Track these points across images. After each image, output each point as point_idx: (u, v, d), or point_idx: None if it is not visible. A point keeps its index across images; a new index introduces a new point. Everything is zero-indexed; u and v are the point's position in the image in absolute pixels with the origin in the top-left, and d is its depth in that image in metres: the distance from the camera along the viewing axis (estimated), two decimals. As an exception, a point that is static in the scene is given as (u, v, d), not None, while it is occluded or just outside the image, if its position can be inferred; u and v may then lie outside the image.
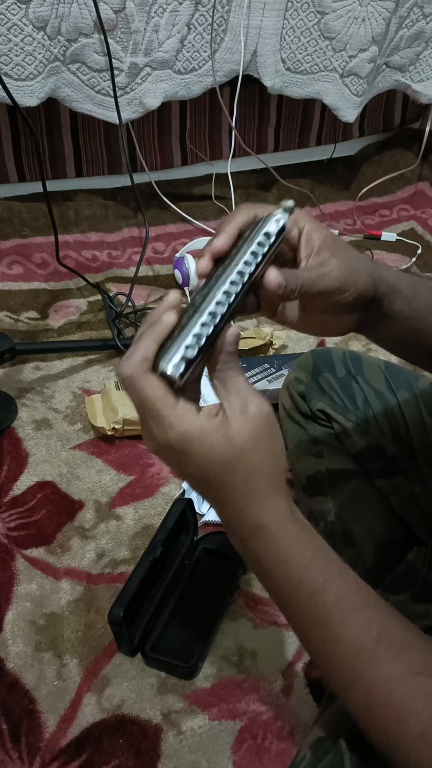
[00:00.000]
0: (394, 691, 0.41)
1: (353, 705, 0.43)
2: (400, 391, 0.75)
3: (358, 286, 0.49)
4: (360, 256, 0.50)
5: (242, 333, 1.20)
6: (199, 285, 0.48)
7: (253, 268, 0.45)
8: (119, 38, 1.17)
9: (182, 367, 0.42)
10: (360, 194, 1.63)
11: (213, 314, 0.43)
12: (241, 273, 0.45)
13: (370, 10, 1.29)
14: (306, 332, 0.54)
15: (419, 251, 1.49)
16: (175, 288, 1.32)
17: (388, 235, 1.53)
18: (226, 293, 0.44)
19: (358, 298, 0.49)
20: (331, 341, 1.23)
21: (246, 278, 0.45)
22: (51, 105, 1.29)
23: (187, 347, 0.42)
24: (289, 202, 0.47)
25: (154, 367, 0.43)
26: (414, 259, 1.47)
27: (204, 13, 1.22)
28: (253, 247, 0.45)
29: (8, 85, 1.01)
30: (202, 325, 0.43)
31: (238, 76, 1.31)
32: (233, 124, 1.39)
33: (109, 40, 1.16)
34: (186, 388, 0.43)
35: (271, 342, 1.15)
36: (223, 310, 0.44)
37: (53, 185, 1.40)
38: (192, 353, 0.42)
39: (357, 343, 1.23)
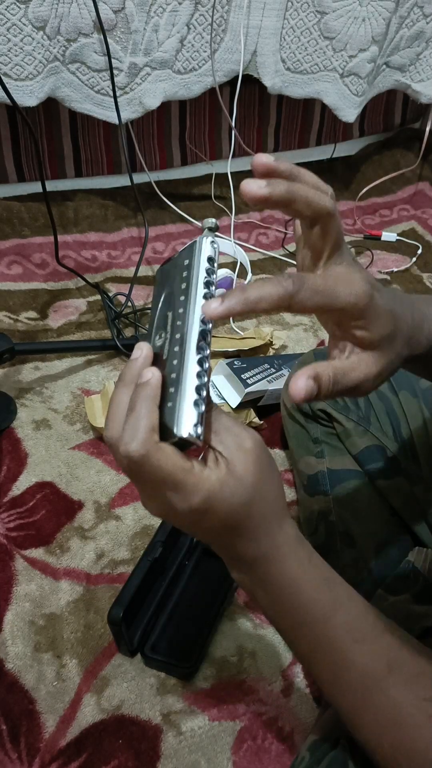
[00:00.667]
0: (403, 717, 0.41)
1: (362, 731, 0.43)
2: (402, 391, 0.75)
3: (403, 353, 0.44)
4: (404, 315, 0.44)
5: (242, 333, 1.20)
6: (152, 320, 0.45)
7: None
8: (119, 38, 1.17)
9: (200, 428, 0.39)
10: (360, 194, 1.63)
11: (202, 360, 0.40)
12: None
13: (370, 10, 1.29)
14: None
15: (419, 251, 1.49)
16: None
17: (389, 235, 1.53)
18: (203, 334, 0.41)
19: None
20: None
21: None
22: (50, 105, 1.29)
23: (195, 404, 0.39)
24: (212, 220, 0.45)
25: (162, 434, 0.39)
26: (414, 259, 1.47)
27: (204, 13, 1.22)
28: (205, 277, 0.42)
29: (7, 85, 1.01)
30: (199, 375, 0.40)
31: (237, 76, 1.31)
32: (233, 124, 1.39)
33: (108, 39, 1.16)
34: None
35: (271, 342, 1.14)
36: (206, 353, 0.40)
37: (52, 185, 1.40)
38: (201, 409, 0.39)
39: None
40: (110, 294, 1.27)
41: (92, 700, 0.71)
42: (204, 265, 0.42)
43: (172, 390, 0.40)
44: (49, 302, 1.25)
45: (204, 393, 0.40)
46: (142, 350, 0.42)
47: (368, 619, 0.44)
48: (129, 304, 1.23)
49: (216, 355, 1.09)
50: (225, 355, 1.11)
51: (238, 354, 1.13)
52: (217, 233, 1.30)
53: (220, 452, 0.41)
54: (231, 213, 1.42)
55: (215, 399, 1.02)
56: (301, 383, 0.39)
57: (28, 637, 0.76)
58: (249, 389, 0.98)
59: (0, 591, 0.79)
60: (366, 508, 0.74)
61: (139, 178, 1.40)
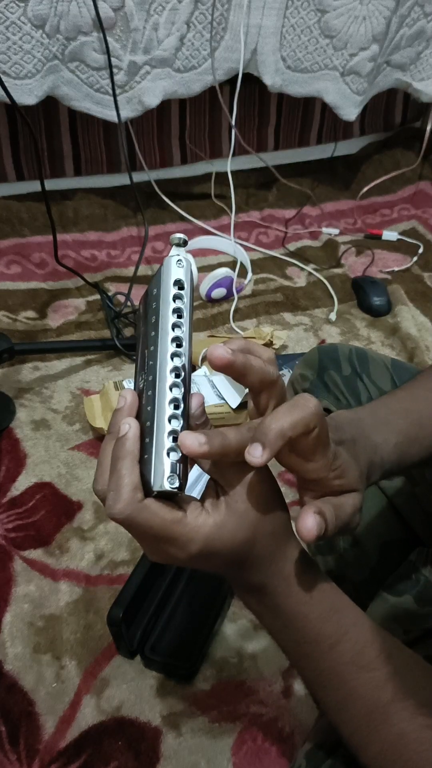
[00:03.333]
0: (409, 747, 0.41)
1: (366, 757, 0.43)
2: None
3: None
4: (359, 453, 0.46)
5: (242, 333, 1.20)
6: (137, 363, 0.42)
7: (186, 328, 0.39)
8: (118, 36, 1.17)
9: (177, 478, 0.37)
10: (361, 193, 1.63)
11: (175, 401, 0.38)
12: (176, 340, 0.39)
13: (371, 8, 1.28)
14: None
15: (420, 250, 1.48)
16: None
17: (390, 235, 1.53)
18: (175, 371, 0.38)
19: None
20: (333, 339, 1.22)
21: (184, 344, 0.39)
22: (50, 104, 1.28)
23: (169, 452, 0.37)
24: (178, 235, 0.41)
25: (143, 487, 0.38)
26: (415, 258, 1.47)
27: (204, 12, 1.22)
28: (172, 304, 0.39)
29: (7, 84, 1.01)
30: (171, 418, 0.37)
31: (237, 75, 1.30)
32: (233, 122, 1.38)
33: (108, 38, 1.15)
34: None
35: (272, 342, 1.14)
36: (181, 391, 0.38)
37: (52, 184, 1.40)
38: (177, 455, 0.37)
39: (357, 343, 1.23)
40: (110, 293, 1.26)
41: (92, 701, 0.71)
42: (171, 291, 0.39)
43: (147, 440, 0.38)
44: (49, 302, 1.25)
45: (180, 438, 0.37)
46: (126, 398, 0.40)
47: (374, 646, 0.43)
48: (128, 303, 1.23)
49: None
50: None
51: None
52: (211, 231, 1.28)
53: (222, 486, 0.40)
54: (231, 212, 1.42)
55: (215, 399, 1.01)
56: (310, 523, 0.39)
57: (28, 638, 0.75)
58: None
59: (-1, 592, 0.79)
60: (369, 508, 0.74)
61: (139, 177, 1.40)
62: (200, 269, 1.34)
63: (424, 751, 0.40)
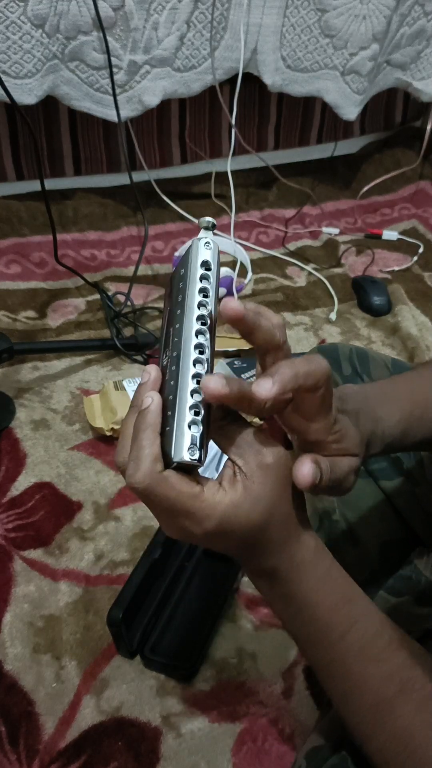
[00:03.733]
0: (414, 739, 0.41)
1: (371, 748, 0.43)
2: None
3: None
4: (362, 417, 0.47)
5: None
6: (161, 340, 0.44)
7: (212, 307, 0.40)
8: (118, 36, 1.17)
9: (197, 451, 0.38)
10: (361, 193, 1.63)
11: (198, 377, 0.38)
12: (201, 319, 0.40)
13: (371, 7, 1.28)
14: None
15: (420, 250, 1.48)
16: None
17: (390, 234, 1.53)
18: (199, 347, 0.39)
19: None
20: (334, 338, 1.22)
21: (209, 321, 0.40)
22: (49, 103, 1.28)
23: (191, 425, 0.38)
24: (207, 219, 0.42)
25: (164, 459, 0.39)
26: (415, 258, 1.46)
27: (204, 11, 1.22)
28: (199, 284, 0.40)
29: (6, 83, 1.00)
30: (193, 393, 0.38)
31: (237, 74, 1.30)
32: (233, 122, 1.38)
33: (108, 37, 1.15)
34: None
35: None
36: (204, 368, 0.39)
37: (52, 184, 1.40)
38: (199, 429, 0.38)
39: (358, 342, 1.23)
40: (109, 293, 1.26)
41: (92, 701, 0.71)
42: (198, 272, 0.40)
43: (169, 413, 0.39)
44: (48, 301, 1.25)
45: (202, 411, 0.38)
46: (150, 373, 0.41)
47: (383, 637, 0.44)
48: (128, 303, 1.23)
49: (216, 354, 1.09)
50: (225, 354, 1.11)
51: (238, 354, 1.13)
52: (215, 231, 1.30)
53: (240, 467, 0.40)
54: (231, 211, 1.42)
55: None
56: (306, 469, 0.40)
57: (27, 638, 0.75)
58: (249, 389, 0.98)
59: (-1, 592, 0.79)
60: (370, 508, 0.74)
61: (139, 176, 1.40)
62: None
63: (430, 745, 0.40)
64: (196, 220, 1.46)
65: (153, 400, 0.39)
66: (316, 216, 1.57)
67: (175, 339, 0.40)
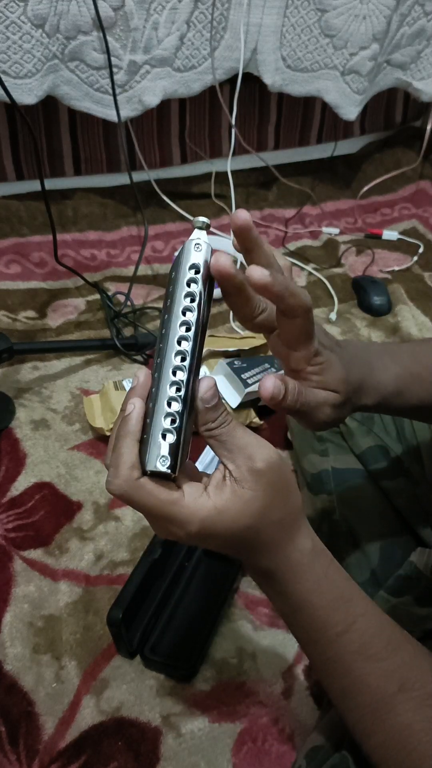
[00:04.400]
0: (413, 737, 0.41)
1: (370, 747, 0.43)
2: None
3: (350, 398, 0.48)
4: (356, 362, 0.49)
5: (242, 332, 1.20)
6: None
7: (196, 313, 0.39)
8: (118, 36, 1.17)
9: (169, 459, 0.38)
10: (361, 192, 1.63)
11: (176, 384, 0.38)
12: (185, 325, 0.39)
13: (371, 7, 1.28)
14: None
15: (421, 250, 1.48)
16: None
17: (390, 234, 1.53)
18: (180, 354, 0.39)
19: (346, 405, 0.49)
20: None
21: (194, 328, 0.39)
22: (49, 103, 1.28)
23: (165, 433, 0.38)
24: (201, 219, 0.42)
25: (142, 466, 0.39)
26: (416, 257, 1.46)
27: (204, 11, 1.22)
28: (185, 289, 0.39)
29: (6, 83, 1.00)
30: (171, 401, 0.38)
31: (238, 74, 1.30)
32: (233, 122, 1.38)
33: (108, 37, 1.15)
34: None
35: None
36: (184, 375, 0.38)
37: (51, 183, 1.40)
38: (173, 438, 0.38)
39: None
40: (109, 293, 1.26)
41: (91, 701, 0.71)
42: (186, 276, 0.40)
43: (148, 421, 0.39)
44: (48, 301, 1.25)
45: (179, 420, 0.38)
46: (139, 378, 0.41)
47: (383, 636, 0.44)
48: (128, 303, 1.22)
49: (216, 354, 1.09)
50: (225, 354, 1.11)
51: (238, 353, 1.13)
52: (210, 230, 1.30)
53: (230, 471, 0.40)
54: (231, 211, 1.42)
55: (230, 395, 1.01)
56: (269, 383, 0.42)
57: (27, 638, 0.75)
58: (249, 389, 0.98)
59: (-1, 592, 0.79)
60: (370, 508, 0.74)
61: (139, 176, 1.40)
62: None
63: (429, 743, 0.41)
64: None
65: (135, 407, 0.40)
66: (316, 216, 1.57)
67: (160, 345, 0.40)
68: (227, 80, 1.34)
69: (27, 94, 1.13)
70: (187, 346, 0.39)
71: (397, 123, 1.75)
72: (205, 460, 0.95)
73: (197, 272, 0.40)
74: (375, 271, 1.42)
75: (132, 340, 1.14)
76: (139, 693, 0.71)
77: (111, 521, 0.88)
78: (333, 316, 1.29)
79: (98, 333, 1.19)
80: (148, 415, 0.39)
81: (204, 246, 0.40)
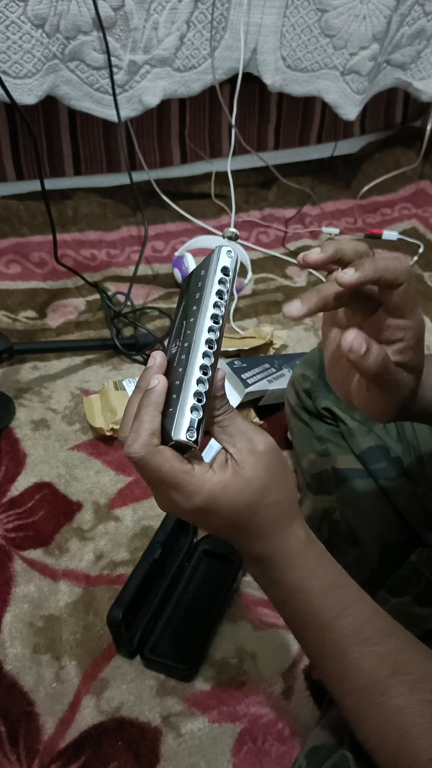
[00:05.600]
0: (407, 720, 0.41)
1: (365, 731, 0.44)
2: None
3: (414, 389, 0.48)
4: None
5: (243, 332, 1.20)
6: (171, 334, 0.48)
7: (223, 310, 0.45)
8: (118, 36, 1.17)
9: (195, 433, 0.42)
10: (361, 192, 1.62)
11: (204, 368, 0.43)
12: (215, 317, 0.44)
13: (371, 7, 1.28)
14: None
15: (421, 250, 1.48)
16: (173, 287, 1.32)
17: (390, 234, 1.52)
18: (209, 342, 0.43)
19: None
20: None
21: (221, 322, 0.44)
22: (49, 103, 1.28)
23: (192, 409, 0.42)
24: (232, 230, 0.47)
25: (163, 437, 0.42)
26: (416, 258, 1.46)
27: (204, 11, 1.22)
28: (217, 287, 0.45)
29: (6, 83, 1.00)
30: (199, 382, 0.42)
31: (237, 74, 1.30)
32: (233, 122, 1.38)
33: (108, 37, 1.15)
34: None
35: (272, 342, 1.14)
36: (211, 361, 0.43)
37: (51, 183, 1.40)
38: (199, 415, 0.42)
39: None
40: (109, 293, 1.26)
41: (91, 701, 0.71)
42: (218, 276, 0.45)
43: (174, 396, 0.43)
44: (48, 301, 1.25)
45: (204, 399, 0.42)
46: (156, 359, 0.45)
47: (375, 622, 0.45)
48: (128, 303, 1.22)
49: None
50: (225, 354, 1.11)
51: (238, 354, 1.13)
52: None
53: (232, 455, 0.43)
54: (231, 211, 1.42)
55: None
56: (351, 335, 0.41)
57: (27, 638, 0.75)
58: (249, 389, 0.98)
59: (-1, 592, 0.79)
60: (370, 508, 0.74)
61: (139, 176, 1.40)
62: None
63: (422, 725, 0.41)
64: (196, 220, 1.46)
65: (159, 382, 0.43)
66: (316, 216, 1.56)
67: (188, 332, 0.44)
68: (227, 80, 1.34)
69: (27, 94, 1.13)
70: (214, 336, 0.44)
71: (397, 123, 1.75)
72: (206, 459, 0.95)
73: (226, 274, 0.45)
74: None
75: (132, 340, 1.14)
76: (139, 693, 0.71)
77: (111, 521, 0.88)
78: (333, 316, 1.28)
79: (98, 333, 1.19)
80: (172, 392, 0.43)
81: (234, 254, 0.46)
